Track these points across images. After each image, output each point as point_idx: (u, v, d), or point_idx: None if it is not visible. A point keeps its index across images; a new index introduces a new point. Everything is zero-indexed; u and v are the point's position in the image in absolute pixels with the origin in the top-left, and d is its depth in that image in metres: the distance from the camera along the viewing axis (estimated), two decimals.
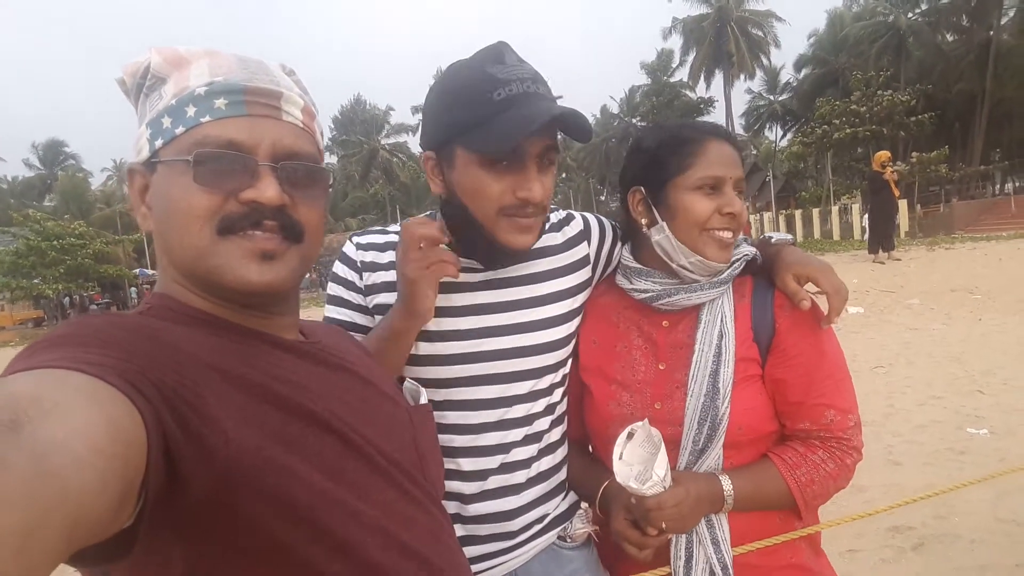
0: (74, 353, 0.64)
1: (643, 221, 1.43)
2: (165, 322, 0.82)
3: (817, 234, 27.77)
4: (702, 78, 54.16)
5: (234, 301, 0.90)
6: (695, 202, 1.33)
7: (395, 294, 1.32)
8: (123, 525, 0.60)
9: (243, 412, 0.75)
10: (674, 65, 57.19)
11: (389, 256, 1.40)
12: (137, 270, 39.62)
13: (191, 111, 0.85)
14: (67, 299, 36.01)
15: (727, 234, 1.34)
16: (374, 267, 1.40)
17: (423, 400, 1.18)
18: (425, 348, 1.34)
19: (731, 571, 1.32)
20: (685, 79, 55.94)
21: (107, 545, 0.59)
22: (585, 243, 1.51)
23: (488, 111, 1.17)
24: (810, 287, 1.38)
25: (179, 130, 0.85)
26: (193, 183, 0.84)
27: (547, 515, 1.44)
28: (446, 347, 1.35)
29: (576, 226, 1.52)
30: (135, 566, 0.73)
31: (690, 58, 54.27)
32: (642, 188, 1.42)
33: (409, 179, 61.83)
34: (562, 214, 1.55)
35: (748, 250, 1.43)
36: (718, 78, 54.39)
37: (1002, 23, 38.30)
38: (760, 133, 64.17)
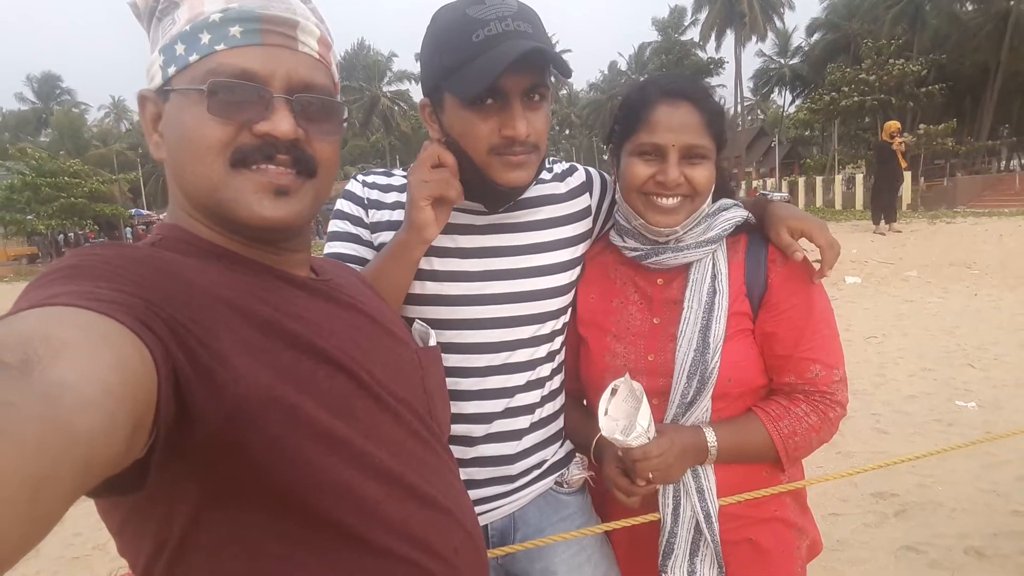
0: (84, 287, 0.64)
1: (612, 179, 1.48)
2: (176, 254, 0.81)
3: (820, 202, 27.71)
4: (713, 37, 53.32)
5: (246, 235, 0.89)
6: (631, 166, 1.35)
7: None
8: (136, 457, 0.60)
9: (254, 348, 0.75)
10: (686, 23, 56.23)
11: (392, 197, 1.41)
12: (132, 210, 39.49)
13: (205, 38, 0.83)
14: (62, 236, 35.88)
15: (667, 200, 1.34)
16: (379, 205, 1.41)
17: (432, 342, 1.18)
18: (431, 287, 1.36)
19: (715, 520, 1.36)
20: (696, 39, 55.06)
21: (120, 478, 0.59)
22: (587, 194, 1.53)
23: (468, 54, 1.17)
24: (804, 242, 1.39)
25: (193, 57, 0.83)
26: (206, 113, 0.82)
27: (545, 461, 1.47)
28: (451, 287, 1.36)
29: (579, 177, 1.54)
30: (143, 504, 0.75)
31: (702, 16, 53.33)
32: (612, 147, 1.46)
33: (410, 129, 61.26)
34: (565, 165, 1.56)
35: (740, 213, 1.42)
36: (729, 38, 53.60)
37: None
38: (768, 97, 63.52)
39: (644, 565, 1.44)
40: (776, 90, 60.47)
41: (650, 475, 1.28)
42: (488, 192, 1.32)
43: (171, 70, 0.85)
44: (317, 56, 0.90)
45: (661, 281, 1.44)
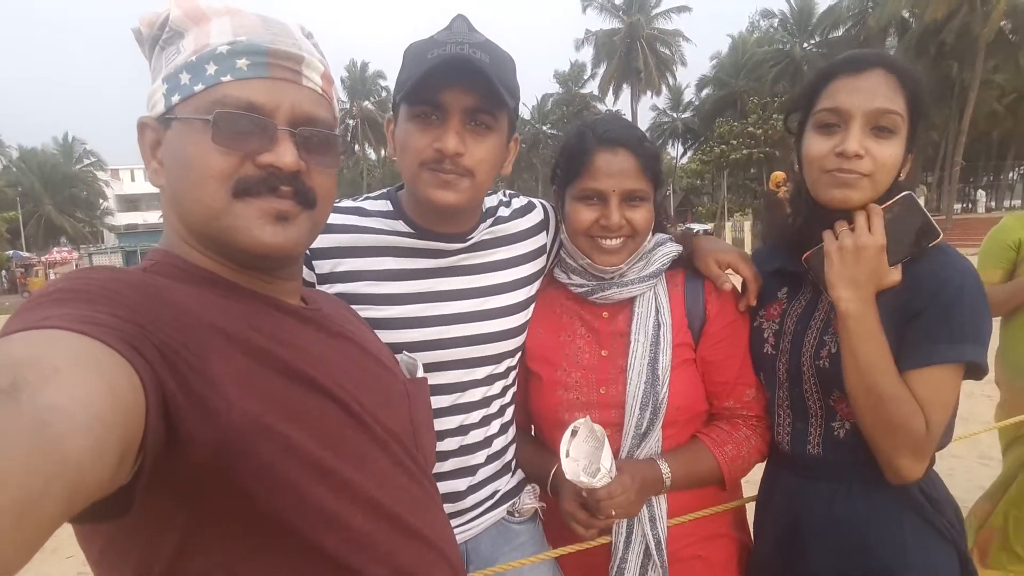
0: (78, 311, 0.63)
1: (558, 219, 1.56)
2: (169, 280, 0.82)
3: None
4: (611, 91, 55.70)
5: (241, 262, 0.90)
6: (577, 211, 1.43)
7: (350, 284, 1.31)
8: (120, 483, 0.60)
9: (246, 376, 0.76)
10: (586, 77, 58.60)
11: (332, 240, 1.33)
12: (10, 252, 36.53)
13: (211, 69, 0.84)
14: None
15: (611, 242, 1.42)
16: (321, 255, 1.32)
17: (420, 374, 1.19)
18: (388, 336, 1.30)
19: (664, 546, 1.44)
20: (595, 92, 57.42)
21: (103, 503, 0.58)
22: (544, 232, 1.56)
23: (419, 68, 1.21)
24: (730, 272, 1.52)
25: (198, 87, 0.84)
26: (211, 143, 0.83)
27: (498, 491, 1.48)
28: (409, 334, 1.33)
29: (537, 215, 1.56)
30: (126, 532, 0.73)
31: (600, 71, 55.73)
32: (556, 189, 1.53)
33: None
34: (523, 201, 1.58)
35: (675, 247, 1.53)
36: (626, 93, 56.05)
37: None
38: (663, 149, 66.76)
39: None
40: (670, 142, 63.66)
41: (613, 512, 1.34)
42: (421, 213, 1.34)
43: (175, 99, 0.85)
44: (320, 91, 0.92)
45: (606, 315, 1.51)
